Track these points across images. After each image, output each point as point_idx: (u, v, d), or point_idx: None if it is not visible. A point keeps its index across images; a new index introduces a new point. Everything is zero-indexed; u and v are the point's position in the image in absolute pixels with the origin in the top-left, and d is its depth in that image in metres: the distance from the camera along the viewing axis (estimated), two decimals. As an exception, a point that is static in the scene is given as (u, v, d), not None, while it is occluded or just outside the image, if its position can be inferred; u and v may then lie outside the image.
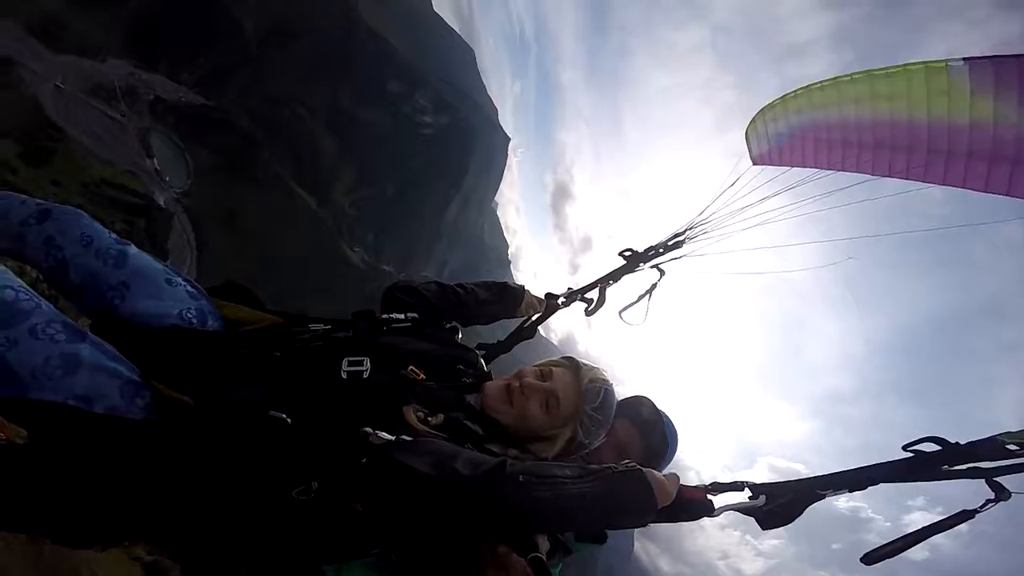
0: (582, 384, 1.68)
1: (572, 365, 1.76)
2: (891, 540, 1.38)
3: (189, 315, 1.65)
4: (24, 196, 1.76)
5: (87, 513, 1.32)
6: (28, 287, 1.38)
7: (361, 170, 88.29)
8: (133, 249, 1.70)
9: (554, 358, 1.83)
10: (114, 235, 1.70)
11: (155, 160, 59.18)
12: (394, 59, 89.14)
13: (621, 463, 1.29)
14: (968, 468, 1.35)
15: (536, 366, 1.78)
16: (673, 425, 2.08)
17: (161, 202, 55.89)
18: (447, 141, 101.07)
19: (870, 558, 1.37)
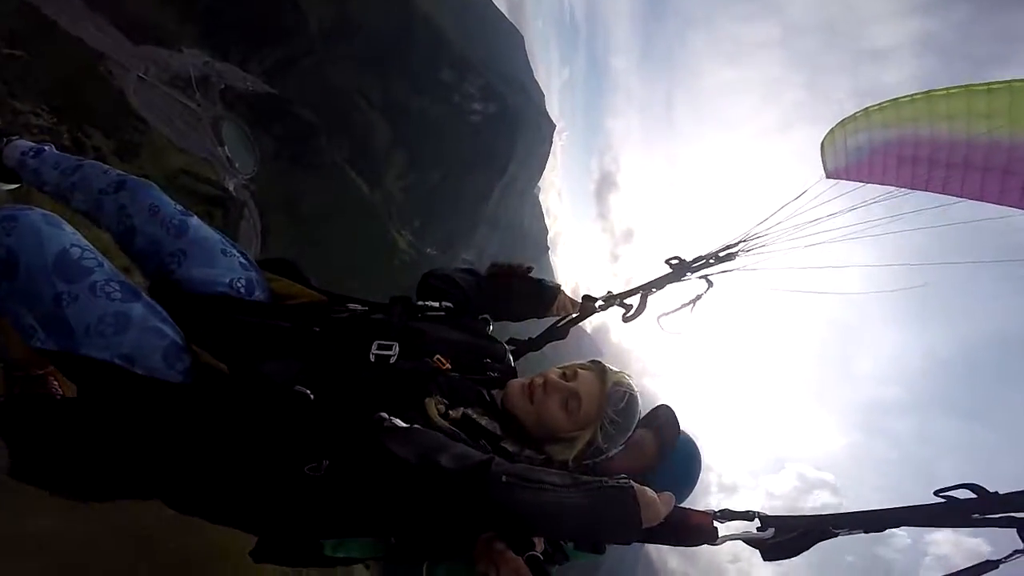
0: (607, 387, 1.63)
1: (598, 368, 1.70)
2: None
3: (239, 284, 1.72)
4: (106, 166, 1.88)
5: (113, 467, 1.39)
6: (91, 246, 1.43)
7: (411, 157, 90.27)
8: (195, 220, 1.77)
9: (581, 360, 1.78)
10: (179, 206, 1.78)
11: (226, 148, 62.85)
12: (447, 48, 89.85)
13: (615, 478, 1.25)
14: (1001, 517, 1.25)
15: (561, 367, 1.73)
16: (691, 442, 1.97)
17: (231, 189, 59.57)
18: (494, 128, 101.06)
19: None
